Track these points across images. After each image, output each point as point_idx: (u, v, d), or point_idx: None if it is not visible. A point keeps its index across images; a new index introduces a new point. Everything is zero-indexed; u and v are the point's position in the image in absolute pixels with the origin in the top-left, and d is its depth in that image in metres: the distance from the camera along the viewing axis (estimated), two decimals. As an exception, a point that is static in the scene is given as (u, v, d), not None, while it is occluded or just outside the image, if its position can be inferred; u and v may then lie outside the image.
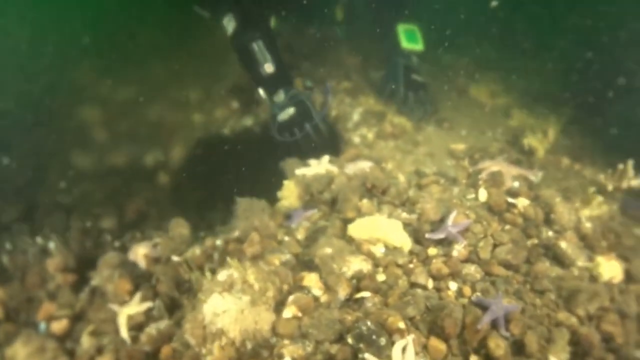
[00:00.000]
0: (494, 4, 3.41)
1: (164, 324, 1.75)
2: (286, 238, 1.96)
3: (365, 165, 2.24)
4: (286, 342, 1.46)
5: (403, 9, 2.93)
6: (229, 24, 2.54)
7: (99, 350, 1.82)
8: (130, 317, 1.82)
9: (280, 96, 2.52)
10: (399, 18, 2.88)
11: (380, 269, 1.74)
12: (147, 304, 1.87)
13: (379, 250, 1.79)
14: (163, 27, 3.41)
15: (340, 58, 3.33)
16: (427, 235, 1.84)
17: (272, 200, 2.15)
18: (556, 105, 3.02)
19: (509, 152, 2.60)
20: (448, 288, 1.69)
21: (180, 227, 2.16)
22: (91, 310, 2.00)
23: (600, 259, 1.89)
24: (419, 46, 2.83)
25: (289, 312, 1.53)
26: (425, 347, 1.47)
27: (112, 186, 3.09)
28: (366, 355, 1.36)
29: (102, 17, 3.43)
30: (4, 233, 2.67)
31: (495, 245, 1.87)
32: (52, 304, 2.12)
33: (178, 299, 1.85)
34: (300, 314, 1.53)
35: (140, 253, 2.12)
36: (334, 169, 2.24)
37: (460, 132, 2.84)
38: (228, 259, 1.64)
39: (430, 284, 1.70)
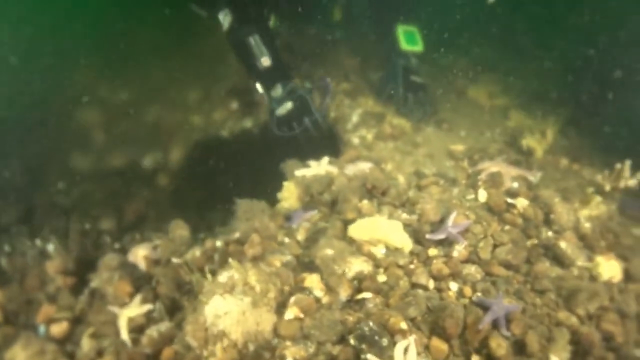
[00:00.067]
0: (491, 0, 3.42)
1: (164, 326, 1.74)
2: (286, 239, 1.97)
3: (365, 166, 2.24)
4: (288, 343, 1.46)
5: (402, 10, 2.93)
6: (225, 19, 2.52)
7: (100, 353, 1.81)
8: (130, 319, 1.82)
9: (278, 90, 2.50)
10: (398, 19, 2.88)
11: (381, 270, 1.74)
12: (148, 306, 1.86)
13: (379, 251, 1.80)
14: (161, 27, 3.41)
15: (339, 59, 3.34)
16: (427, 236, 1.85)
17: (272, 201, 2.15)
18: (554, 105, 3.03)
19: (508, 152, 2.61)
20: (449, 288, 1.69)
21: (180, 229, 2.15)
22: (91, 312, 1.99)
23: (599, 259, 1.91)
24: (418, 47, 2.84)
25: (290, 313, 1.53)
26: (427, 348, 1.47)
27: (111, 188, 3.08)
28: (368, 356, 1.36)
29: (100, 18, 3.42)
30: (2, 235, 2.66)
31: (495, 246, 1.88)
32: (52, 306, 2.11)
33: (179, 300, 1.85)
34: (302, 315, 1.53)
35: (140, 255, 2.12)
36: (334, 170, 2.24)
37: (459, 133, 2.85)
38: (229, 260, 1.64)
39: (431, 284, 1.71)
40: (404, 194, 2.09)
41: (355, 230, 1.83)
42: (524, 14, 3.69)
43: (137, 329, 1.80)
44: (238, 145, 3.10)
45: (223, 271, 1.61)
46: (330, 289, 1.63)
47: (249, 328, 1.47)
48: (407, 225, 1.89)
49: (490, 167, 2.22)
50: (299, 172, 2.22)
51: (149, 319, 1.84)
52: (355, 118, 2.83)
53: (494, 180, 2.19)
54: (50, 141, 3.15)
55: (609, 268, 1.88)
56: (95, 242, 2.69)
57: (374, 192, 2.10)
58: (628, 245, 2.04)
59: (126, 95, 3.43)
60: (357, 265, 1.70)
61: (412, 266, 1.77)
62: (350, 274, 1.68)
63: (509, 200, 2.08)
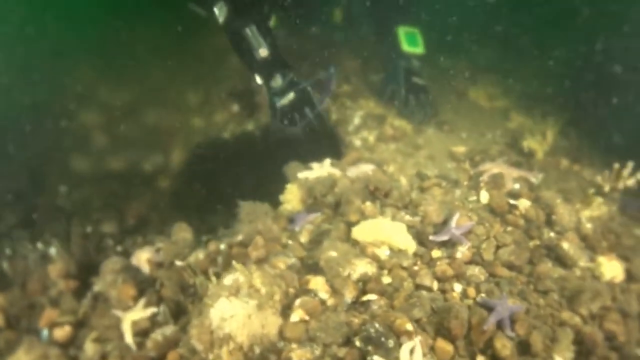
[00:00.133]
0: None
1: (169, 329, 1.74)
2: (290, 241, 1.97)
3: (367, 168, 2.25)
4: (294, 346, 1.46)
5: (403, 11, 2.92)
6: (221, 11, 2.47)
7: (104, 357, 1.81)
8: (134, 323, 1.82)
9: (278, 81, 2.43)
10: (399, 20, 2.87)
11: (385, 272, 1.75)
12: (152, 310, 1.86)
13: (383, 253, 1.80)
14: (162, 29, 3.40)
15: (339, 61, 3.34)
16: (431, 238, 1.85)
17: (274, 203, 2.15)
18: (554, 106, 3.05)
19: (509, 154, 2.63)
20: (453, 290, 1.70)
21: (183, 232, 2.15)
22: (94, 316, 1.98)
23: (601, 259, 1.92)
24: (419, 49, 2.84)
25: (296, 315, 1.54)
26: (432, 349, 1.48)
27: (113, 190, 3.07)
28: (375, 357, 1.37)
29: (101, 19, 3.41)
30: (3, 238, 2.64)
31: (498, 247, 1.89)
32: (55, 310, 2.11)
33: (183, 303, 1.84)
34: (307, 318, 1.53)
35: (143, 258, 2.11)
36: (336, 172, 2.25)
37: (460, 135, 2.87)
38: (234, 262, 1.65)
39: (435, 285, 1.71)
40: (407, 196, 2.10)
41: (359, 232, 1.83)
42: (524, 14, 3.70)
43: (141, 333, 1.80)
44: (240, 147, 3.10)
45: (228, 274, 1.61)
46: (335, 291, 1.63)
47: (254, 331, 1.47)
48: (410, 227, 1.89)
49: (492, 168, 2.24)
50: (302, 174, 2.22)
51: (153, 322, 1.84)
52: (356, 120, 2.84)
53: (496, 182, 2.20)
54: (50, 143, 3.14)
55: (611, 268, 1.90)
56: (97, 245, 2.68)
57: (377, 194, 2.11)
58: (629, 246, 2.06)
59: (127, 97, 3.43)
60: (362, 267, 1.70)
61: (416, 268, 1.78)
62: (355, 275, 1.68)
63: (511, 201, 2.09)
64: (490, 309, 1.57)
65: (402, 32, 2.83)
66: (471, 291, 1.70)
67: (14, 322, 2.22)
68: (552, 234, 2.02)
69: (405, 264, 1.77)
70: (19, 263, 2.49)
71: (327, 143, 2.69)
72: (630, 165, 2.24)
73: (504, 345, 1.49)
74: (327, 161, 2.32)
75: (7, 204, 2.87)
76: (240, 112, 3.26)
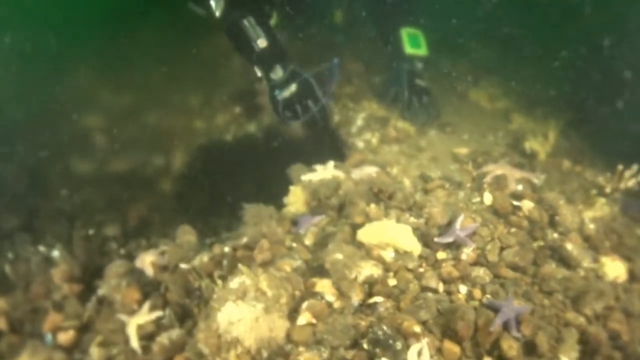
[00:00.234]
0: None
1: (175, 333, 1.73)
2: (294, 244, 1.97)
3: (371, 170, 2.26)
4: (301, 349, 1.46)
5: (406, 12, 2.90)
6: (218, 4, 2.42)
7: (109, 361, 1.80)
8: (140, 327, 1.81)
9: (278, 72, 2.35)
10: (402, 22, 2.85)
11: (391, 274, 1.75)
12: (157, 313, 1.85)
13: (389, 255, 1.81)
14: (163, 31, 3.39)
15: (341, 62, 3.33)
16: (436, 239, 1.86)
17: (278, 206, 2.15)
18: (555, 107, 3.07)
19: (511, 155, 2.64)
20: (458, 291, 1.71)
21: (187, 234, 2.15)
22: (99, 320, 1.98)
23: (604, 260, 1.94)
24: (422, 51, 2.83)
25: (303, 318, 1.54)
26: (439, 350, 1.48)
27: (115, 193, 3.06)
28: (383, 360, 1.37)
29: (102, 21, 3.39)
30: (5, 241, 2.63)
31: (502, 248, 1.90)
32: (59, 314, 2.09)
33: (189, 307, 1.84)
34: (314, 321, 1.53)
35: (147, 261, 2.11)
36: (340, 174, 2.25)
37: (463, 136, 2.88)
38: (239, 266, 1.64)
39: (440, 287, 1.72)
40: (411, 198, 2.11)
41: (365, 234, 1.84)
42: (525, 14, 3.71)
43: (147, 337, 1.80)
44: (242, 149, 3.10)
45: (234, 277, 1.60)
46: (342, 294, 1.64)
47: (262, 334, 1.47)
48: (415, 229, 1.90)
49: (495, 169, 2.25)
50: (306, 177, 2.22)
51: (159, 326, 1.83)
52: (359, 122, 2.84)
53: (499, 183, 2.21)
54: (52, 146, 3.12)
55: (614, 268, 1.92)
56: (101, 248, 2.67)
57: (381, 196, 2.11)
58: (631, 246, 2.07)
59: (129, 99, 3.41)
60: (367, 270, 1.71)
61: (421, 270, 1.78)
62: (361, 278, 1.69)
63: (515, 202, 2.11)
64: (496, 310, 1.58)
65: (405, 33, 2.82)
66: (477, 292, 1.71)
67: (17, 326, 2.20)
68: (555, 235, 2.03)
69: (410, 265, 1.78)
70: (21, 266, 2.48)
71: (330, 144, 2.69)
72: (635, 167, 2.25)
73: (510, 346, 1.50)
74: (331, 163, 2.32)
75: (8, 207, 2.85)
76: (242, 113, 3.25)
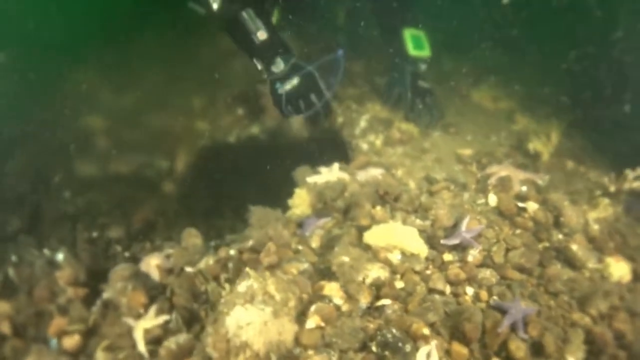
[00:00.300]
0: (505, 0, 3.41)
1: (182, 337, 1.73)
2: (300, 247, 1.97)
3: (376, 172, 2.26)
4: (310, 352, 1.46)
5: (409, 13, 2.88)
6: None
7: (116, 365, 1.80)
8: (146, 331, 1.80)
9: (280, 65, 2.26)
10: (405, 23, 2.84)
11: (398, 276, 1.75)
12: (164, 317, 1.85)
13: (395, 257, 1.81)
14: (165, 32, 3.38)
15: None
16: (442, 242, 1.86)
17: (282, 208, 2.15)
18: (557, 108, 3.08)
19: (515, 156, 2.64)
20: (465, 293, 1.71)
21: (193, 237, 2.14)
22: (105, 324, 1.97)
23: (609, 260, 1.94)
24: (425, 52, 2.82)
25: (312, 322, 1.54)
26: (448, 352, 1.49)
27: (118, 195, 3.05)
28: (392, 363, 1.37)
29: (104, 22, 3.38)
30: (9, 244, 2.61)
31: (508, 250, 1.91)
32: (64, 318, 2.09)
33: (196, 311, 1.84)
34: (323, 324, 1.53)
35: (152, 264, 2.10)
36: (345, 176, 2.25)
37: (466, 137, 2.88)
38: (247, 269, 1.64)
39: (447, 289, 1.72)
40: (416, 200, 2.11)
41: (371, 237, 1.84)
42: (526, 15, 3.72)
43: (153, 341, 1.79)
44: (245, 151, 3.09)
45: (241, 280, 1.60)
46: (350, 297, 1.64)
47: (271, 338, 1.47)
48: (421, 231, 1.90)
49: (499, 171, 2.25)
50: (311, 179, 2.22)
51: (166, 330, 1.83)
52: (362, 123, 2.84)
53: (504, 184, 2.21)
54: (55, 148, 3.11)
55: (619, 269, 1.92)
56: (105, 251, 2.66)
57: (387, 198, 2.11)
58: (635, 246, 2.08)
59: (132, 101, 3.40)
60: (375, 272, 1.71)
61: (428, 272, 1.79)
62: (369, 280, 1.69)
63: (519, 204, 2.11)
64: (503, 311, 1.58)
65: (408, 35, 2.81)
66: (483, 294, 1.71)
67: (21, 331, 2.19)
68: (560, 236, 2.04)
69: (417, 268, 1.78)
70: (25, 269, 2.46)
71: (333, 146, 2.68)
72: (639, 169, 2.26)
73: (518, 347, 1.50)
74: (336, 165, 2.32)
75: (11, 209, 2.83)
76: (245, 115, 3.25)
